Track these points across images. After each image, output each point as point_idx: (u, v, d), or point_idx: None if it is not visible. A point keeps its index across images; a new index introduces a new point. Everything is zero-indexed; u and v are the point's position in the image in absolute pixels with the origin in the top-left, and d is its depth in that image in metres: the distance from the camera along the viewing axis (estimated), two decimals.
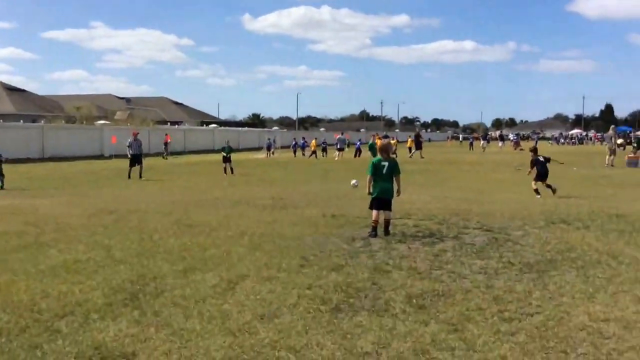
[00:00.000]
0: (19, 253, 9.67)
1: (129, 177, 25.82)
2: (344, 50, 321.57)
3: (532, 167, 18.44)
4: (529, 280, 7.77)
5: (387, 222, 10.93)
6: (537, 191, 17.94)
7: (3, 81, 74.86)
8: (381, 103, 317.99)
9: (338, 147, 45.65)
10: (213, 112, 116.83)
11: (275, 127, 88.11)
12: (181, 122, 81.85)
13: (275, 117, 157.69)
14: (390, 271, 8.32)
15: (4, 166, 21.25)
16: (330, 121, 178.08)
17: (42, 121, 51.66)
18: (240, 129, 76.12)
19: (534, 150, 19.36)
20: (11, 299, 7.07)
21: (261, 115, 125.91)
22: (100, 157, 42.79)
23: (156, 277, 8.16)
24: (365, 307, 6.72)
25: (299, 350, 5.48)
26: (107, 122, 52.21)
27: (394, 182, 11.03)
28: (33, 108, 68.26)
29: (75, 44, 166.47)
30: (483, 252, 9.55)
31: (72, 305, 6.87)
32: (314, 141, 50.25)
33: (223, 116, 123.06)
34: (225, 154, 28.35)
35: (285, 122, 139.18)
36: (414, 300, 6.91)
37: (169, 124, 72.53)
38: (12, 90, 71.45)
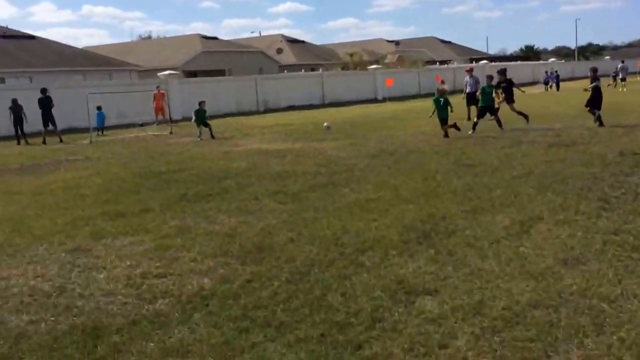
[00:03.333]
0: (316, 192, 10.45)
1: (469, 118, 21.75)
2: None
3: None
4: None
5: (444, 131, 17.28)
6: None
7: (285, 34, 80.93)
8: None
9: (620, 76, 41.26)
10: (482, 48, 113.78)
11: (552, 59, 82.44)
12: (450, 60, 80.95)
13: (550, 47, 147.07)
14: None
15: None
16: (616, 48, 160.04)
17: (321, 69, 54.79)
18: (511, 63, 72.91)
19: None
20: (317, 233, 7.68)
21: (535, 47, 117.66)
22: (374, 100, 44.23)
23: (445, 217, 8.24)
24: None
25: (614, 300, 5.10)
26: (378, 66, 53.45)
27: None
28: (311, 57, 72.72)
29: None
30: None
31: (370, 241, 7.24)
32: None
33: (492, 51, 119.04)
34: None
35: (562, 53, 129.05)
36: None
37: (437, 63, 72.02)
38: (293, 42, 76.76)
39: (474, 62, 71.51)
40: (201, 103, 22.18)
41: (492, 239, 7.05)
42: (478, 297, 5.35)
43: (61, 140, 22.95)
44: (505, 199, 9.01)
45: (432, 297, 5.43)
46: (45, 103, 23.83)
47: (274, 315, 5.15)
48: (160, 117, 28.82)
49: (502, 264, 6.17)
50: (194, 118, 21.87)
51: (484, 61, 65.57)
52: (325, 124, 21.92)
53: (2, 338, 5.04)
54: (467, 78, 24.36)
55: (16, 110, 23.78)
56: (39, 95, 24.33)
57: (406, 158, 14.00)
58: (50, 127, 23.60)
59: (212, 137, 21.08)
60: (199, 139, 20.79)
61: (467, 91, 23.67)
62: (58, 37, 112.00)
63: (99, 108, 27.01)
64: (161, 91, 29.16)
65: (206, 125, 21.57)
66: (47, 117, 23.72)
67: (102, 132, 26.30)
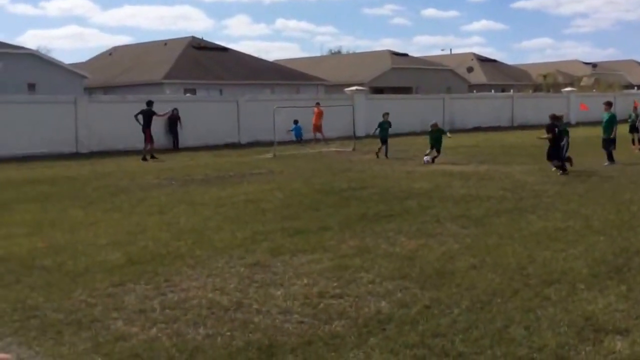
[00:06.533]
0: (501, 217, 10.21)
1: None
2: None
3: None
4: None
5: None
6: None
7: (476, 52, 79.45)
8: None
9: None
10: None
11: None
12: None
13: None
14: None
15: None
16: None
17: (512, 91, 53.14)
18: None
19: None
20: (501, 261, 7.51)
21: None
22: (567, 125, 42.06)
23: (639, 251, 7.73)
24: None
25: None
26: (573, 89, 50.77)
27: None
28: (502, 77, 70.64)
29: (542, 11, 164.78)
30: None
31: (557, 273, 6.97)
32: None
33: None
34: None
35: None
36: None
37: (635, 88, 66.85)
38: (484, 61, 75.03)
39: None
40: (385, 115, 21.54)
41: None
42: None
43: (145, 159, 21.69)
44: None
45: (622, 337, 5.15)
46: (147, 116, 22.42)
47: (452, 345, 5.09)
48: (319, 135, 28.30)
49: None
50: (377, 131, 21.13)
51: None
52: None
53: (179, 351, 5.13)
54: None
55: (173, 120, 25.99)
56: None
57: (599, 186, 13.30)
58: (149, 145, 22.34)
59: (386, 156, 20.60)
60: (385, 157, 20.47)
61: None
62: (250, 50, 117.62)
63: (295, 122, 28.27)
64: (320, 108, 28.42)
65: (384, 142, 20.87)
66: (145, 130, 22.30)
67: (301, 143, 27.46)
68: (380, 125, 21.26)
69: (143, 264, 7.73)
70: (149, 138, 22.25)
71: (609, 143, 17.73)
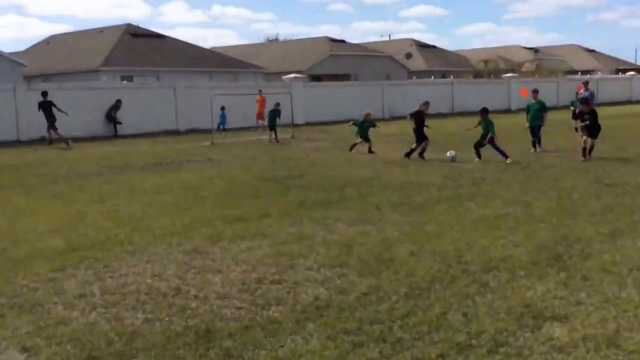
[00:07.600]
0: (441, 204, 10.17)
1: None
2: None
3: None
4: None
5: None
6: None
7: (416, 39, 79.83)
8: None
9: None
10: (630, 58, 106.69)
11: None
12: (592, 70, 76.74)
13: None
14: None
15: None
16: None
17: (452, 76, 53.65)
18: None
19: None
20: (439, 248, 7.43)
21: None
22: (507, 111, 42.67)
23: (580, 238, 7.77)
24: None
25: None
26: (514, 74, 51.54)
27: None
28: (442, 63, 71.06)
29: None
30: None
31: (496, 260, 6.92)
32: None
33: None
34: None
35: None
36: None
37: (579, 73, 68.39)
38: (423, 47, 75.46)
39: (620, 73, 67.40)
40: (276, 105, 23.51)
41: (632, 266, 6.56)
42: (613, 327, 4.99)
43: (51, 143, 22.48)
44: None
45: (561, 324, 5.10)
46: (46, 106, 22.87)
47: (390, 331, 5.01)
48: (260, 123, 27.70)
49: None
50: (266, 120, 23.32)
51: (632, 72, 61.51)
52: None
53: (118, 335, 5.13)
54: (583, 91, 23.16)
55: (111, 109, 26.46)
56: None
57: (540, 174, 13.42)
58: (53, 133, 22.76)
59: (277, 140, 22.58)
60: (274, 141, 22.41)
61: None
62: (187, 37, 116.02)
63: (222, 108, 27.37)
64: (263, 96, 28.07)
65: (272, 129, 22.76)
66: (48, 120, 22.80)
67: (221, 131, 26.61)
68: (271, 113, 23.16)
69: (83, 250, 7.75)
70: (52, 126, 22.84)
71: (539, 130, 17.90)
